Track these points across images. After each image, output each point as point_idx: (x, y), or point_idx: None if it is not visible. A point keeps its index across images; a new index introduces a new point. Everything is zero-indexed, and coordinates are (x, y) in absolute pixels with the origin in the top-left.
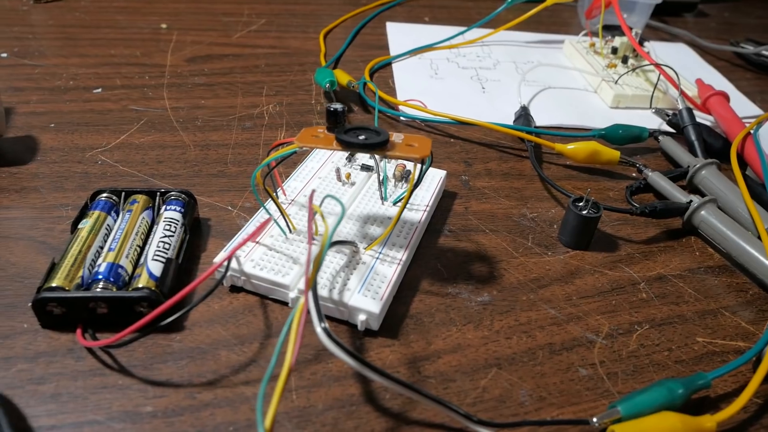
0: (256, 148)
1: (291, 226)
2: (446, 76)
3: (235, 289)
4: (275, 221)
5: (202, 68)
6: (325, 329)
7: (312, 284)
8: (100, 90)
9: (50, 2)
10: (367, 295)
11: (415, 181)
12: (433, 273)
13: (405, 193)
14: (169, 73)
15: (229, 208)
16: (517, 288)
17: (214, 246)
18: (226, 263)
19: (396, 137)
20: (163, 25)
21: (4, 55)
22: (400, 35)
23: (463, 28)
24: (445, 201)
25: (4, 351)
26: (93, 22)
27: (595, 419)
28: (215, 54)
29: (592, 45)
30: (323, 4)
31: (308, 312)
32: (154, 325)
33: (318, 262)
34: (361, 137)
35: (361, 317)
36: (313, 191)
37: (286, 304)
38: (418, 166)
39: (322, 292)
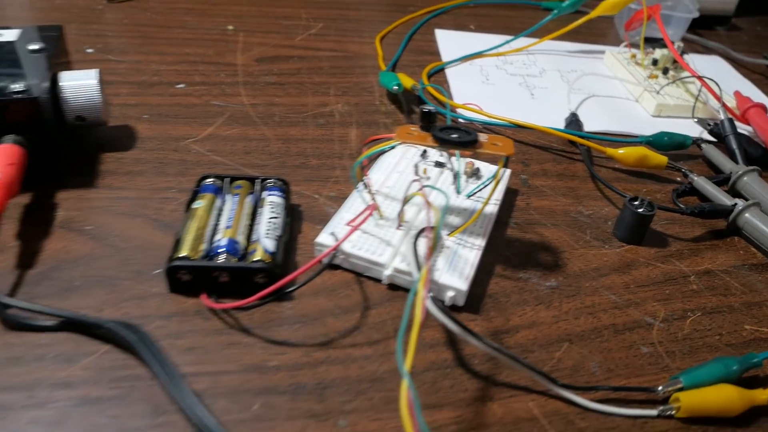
0: (331, 143)
1: (380, 213)
2: (497, 82)
3: (332, 266)
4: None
5: (272, 68)
6: (433, 299)
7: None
8: (183, 86)
9: (122, 2)
10: (453, 274)
11: (500, 177)
12: (504, 260)
13: (477, 188)
14: (242, 72)
15: (316, 196)
16: (580, 275)
17: (308, 228)
18: (329, 242)
19: (482, 137)
20: (230, 27)
21: (91, 50)
22: (449, 42)
23: (508, 37)
24: (508, 197)
25: (141, 310)
26: (165, 22)
27: (660, 387)
28: (281, 55)
29: (633, 56)
30: (373, 10)
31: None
32: (276, 294)
33: (434, 242)
34: (454, 136)
35: (450, 293)
36: (423, 185)
37: (378, 281)
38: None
39: (415, 270)
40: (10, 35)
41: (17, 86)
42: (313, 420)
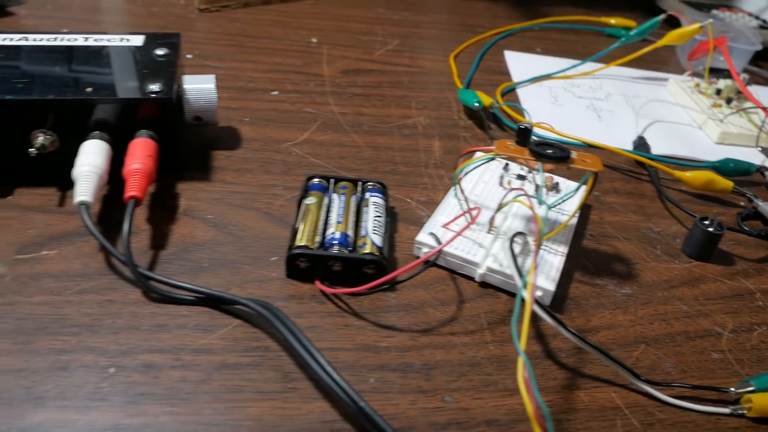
0: (417, 153)
1: (470, 217)
2: (565, 103)
3: (427, 263)
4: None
5: (356, 80)
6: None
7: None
8: (276, 93)
9: (213, 12)
10: (541, 276)
11: (589, 190)
12: (582, 267)
13: (560, 200)
14: (329, 83)
15: (408, 200)
16: (652, 285)
17: (402, 228)
18: (429, 242)
19: (573, 153)
20: (313, 40)
21: (190, 56)
22: (518, 63)
23: (574, 61)
24: (583, 211)
25: (263, 291)
26: (253, 33)
27: (732, 389)
28: (363, 69)
29: (697, 85)
30: (444, 29)
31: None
32: (386, 284)
33: (539, 245)
34: (549, 151)
35: (538, 293)
36: (528, 196)
37: (470, 278)
38: (593, 177)
39: (507, 271)
40: (136, 41)
41: (154, 87)
42: (422, 395)
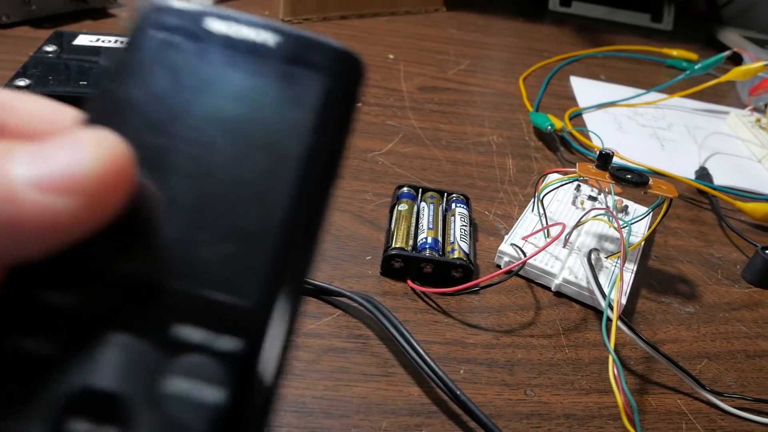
0: (492, 169)
1: (548, 232)
2: (629, 131)
3: (510, 273)
4: (542, 228)
5: (432, 97)
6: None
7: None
8: (359, 105)
9: (295, 23)
10: (613, 290)
11: (663, 214)
12: (648, 285)
13: (633, 220)
14: (408, 99)
15: (486, 213)
16: (713, 306)
17: (482, 238)
18: (511, 252)
19: (650, 180)
20: (390, 56)
21: None
22: (583, 89)
23: (637, 90)
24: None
25: (362, 286)
26: None
27: None
28: (439, 86)
29: (758, 120)
30: (512, 52)
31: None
32: (474, 287)
33: (624, 261)
34: (629, 176)
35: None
36: (613, 215)
37: (547, 288)
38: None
39: (582, 283)
40: None
41: None
42: (506, 388)
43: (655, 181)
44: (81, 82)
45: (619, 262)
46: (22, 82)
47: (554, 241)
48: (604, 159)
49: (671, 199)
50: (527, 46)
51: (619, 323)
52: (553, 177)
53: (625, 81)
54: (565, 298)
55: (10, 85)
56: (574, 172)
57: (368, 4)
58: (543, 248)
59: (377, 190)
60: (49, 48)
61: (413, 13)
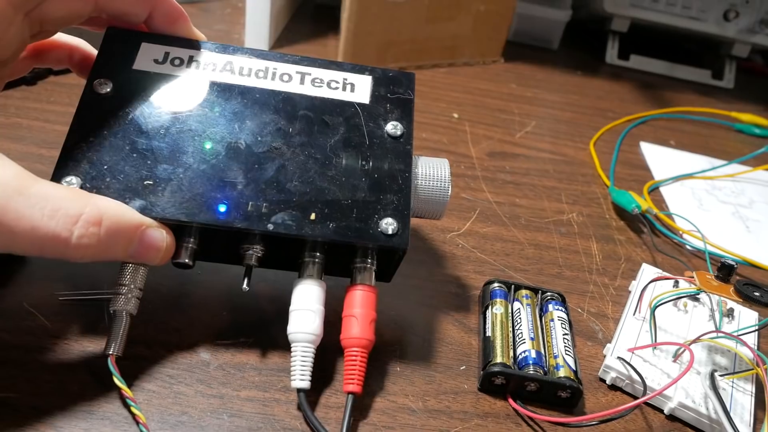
0: (578, 255)
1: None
2: (710, 208)
3: (612, 387)
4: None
5: (504, 165)
6: None
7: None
8: None
9: None
10: (735, 418)
11: None
12: (760, 403)
13: (746, 329)
14: (479, 166)
15: (579, 310)
16: None
17: (580, 343)
18: (619, 368)
19: None
20: (455, 115)
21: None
22: (656, 157)
23: (712, 159)
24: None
25: (459, 405)
26: None
27: None
28: (508, 152)
29: None
30: (576, 112)
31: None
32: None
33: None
34: (756, 294)
35: None
36: (736, 339)
37: (659, 410)
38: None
39: (701, 409)
40: (362, 90)
41: (388, 227)
42: None
43: None
44: None
45: (736, 383)
46: None
47: (685, 374)
48: (727, 271)
49: None
50: (590, 105)
51: None
52: (663, 286)
53: (695, 148)
54: (680, 422)
55: None
56: (685, 278)
57: (427, 54)
58: (674, 382)
59: (462, 281)
60: None
61: (471, 65)
